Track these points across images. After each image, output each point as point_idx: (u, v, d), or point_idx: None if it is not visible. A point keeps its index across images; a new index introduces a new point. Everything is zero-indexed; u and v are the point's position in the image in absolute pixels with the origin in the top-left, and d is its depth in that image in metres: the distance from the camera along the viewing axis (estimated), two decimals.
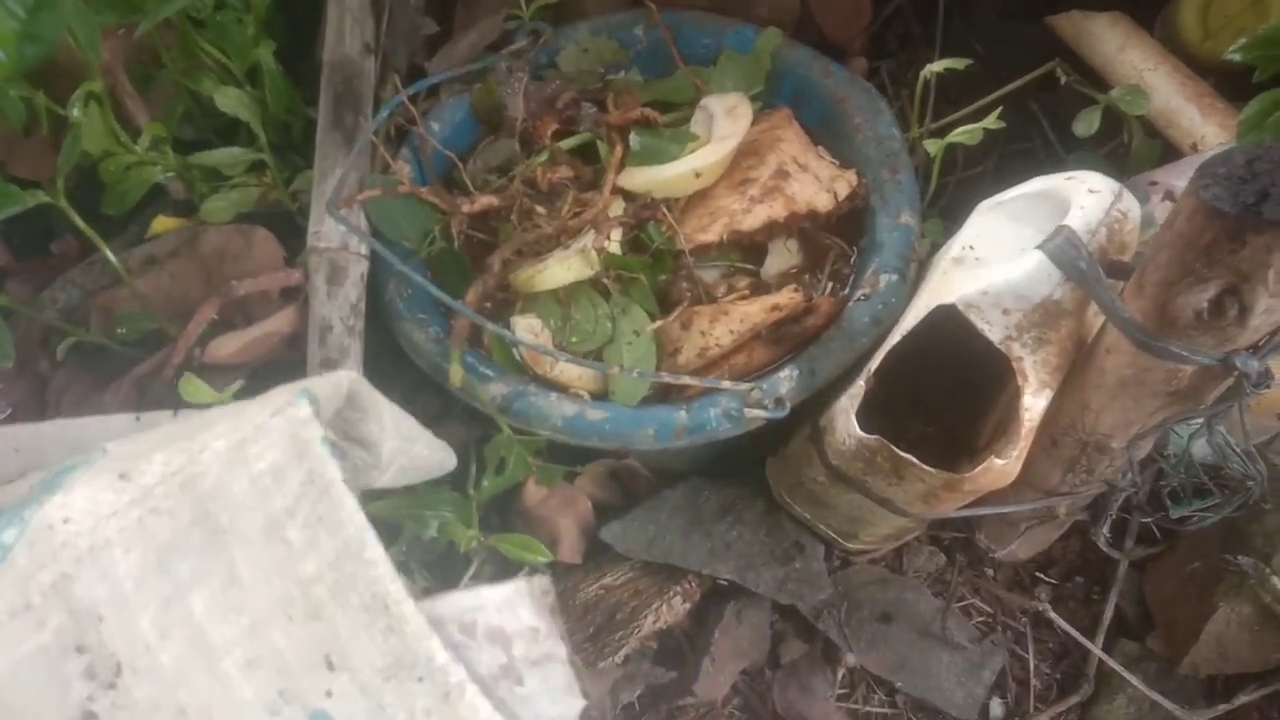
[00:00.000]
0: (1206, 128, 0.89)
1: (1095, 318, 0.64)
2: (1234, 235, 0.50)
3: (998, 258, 0.67)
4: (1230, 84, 0.91)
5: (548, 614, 0.30)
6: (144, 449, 0.30)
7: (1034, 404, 0.64)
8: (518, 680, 0.29)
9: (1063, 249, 0.60)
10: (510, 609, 0.30)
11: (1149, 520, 0.80)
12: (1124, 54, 0.94)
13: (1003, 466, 0.64)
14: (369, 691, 0.28)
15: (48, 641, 0.28)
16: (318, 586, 0.28)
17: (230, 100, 0.85)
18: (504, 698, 0.28)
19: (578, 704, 0.29)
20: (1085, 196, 0.64)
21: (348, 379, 0.33)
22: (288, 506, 0.28)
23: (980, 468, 0.64)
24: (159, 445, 0.30)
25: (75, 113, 0.76)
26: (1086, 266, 0.59)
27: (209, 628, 0.29)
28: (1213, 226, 0.50)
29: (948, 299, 0.65)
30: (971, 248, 0.69)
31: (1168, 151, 0.91)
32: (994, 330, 0.64)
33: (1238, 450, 0.66)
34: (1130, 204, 0.65)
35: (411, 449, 0.39)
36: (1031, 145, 1.00)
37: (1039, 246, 0.61)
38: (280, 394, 0.30)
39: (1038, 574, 0.88)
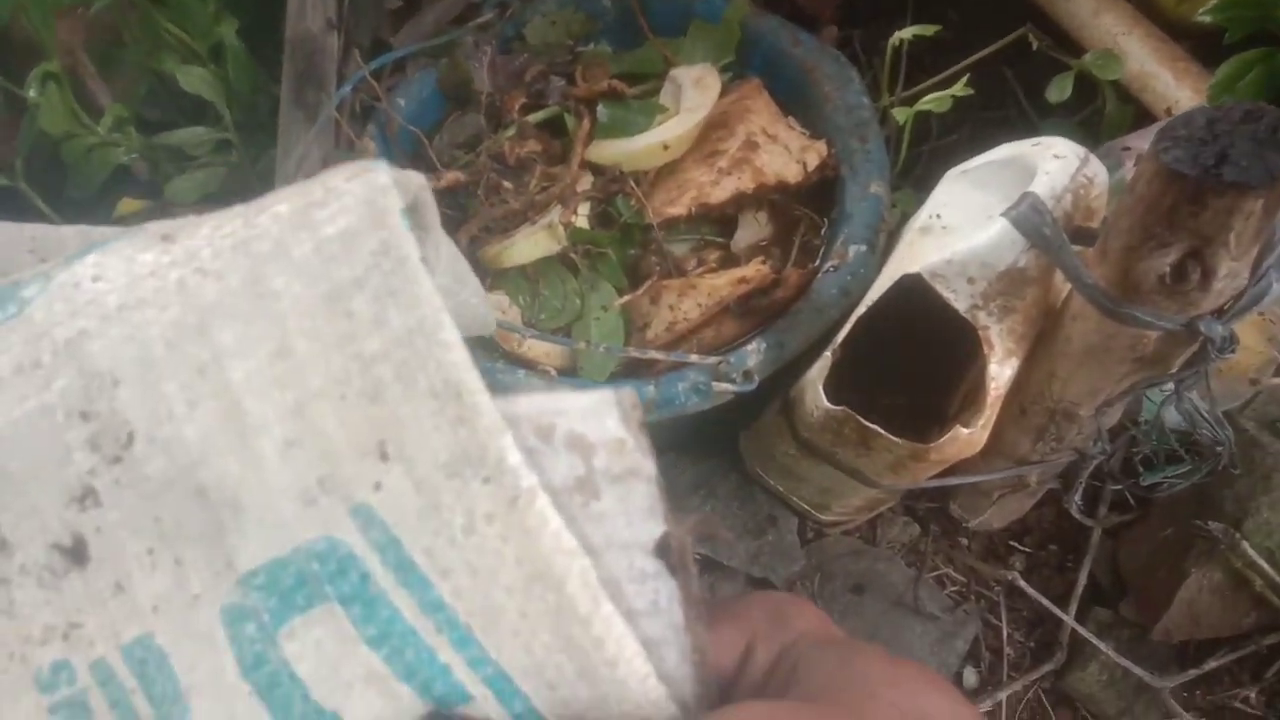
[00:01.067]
0: (1180, 92, 0.89)
1: (1061, 285, 0.64)
2: (1195, 198, 0.49)
3: (964, 226, 0.67)
4: (1206, 48, 0.90)
5: (636, 428, 0.26)
6: (194, 220, 0.27)
7: (1000, 373, 0.64)
8: (594, 494, 0.25)
9: (1027, 216, 0.60)
10: (596, 417, 0.26)
11: (1121, 488, 0.80)
12: (1098, 18, 0.93)
13: (969, 435, 0.63)
14: (424, 488, 0.25)
15: (51, 402, 0.26)
16: (382, 365, 0.25)
17: (193, 79, 0.84)
18: (574, 514, 0.25)
19: (658, 529, 0.25)
20: (1051, 162, 0.64)
21: (418, 180, 0.29)
22: (356, 277, 0.25)
23: (947, 437, 0.63)
24: (212, 216, 0.27)
25: (33, 93, 0.75)
26: (1051, 233, 0.59)
27: (248, 401, 0.25)
28: (1173, 190, 0.50)
29: (913, 268, 0.64)
30: (938, 216, 0.69)
31: (1142, 116, 0.90)
32: (960, 299, 0.63)
33: (1206, 416, 0.66)
34: (1097, 169, 0.65)
35: (461, 293, 0.35)
36: (1006, 112, 0.99)
37: (1003, 214, 0.61)
38: (356, 163, 0.27)
39: (1012, 543, 0.88)
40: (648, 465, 0.25)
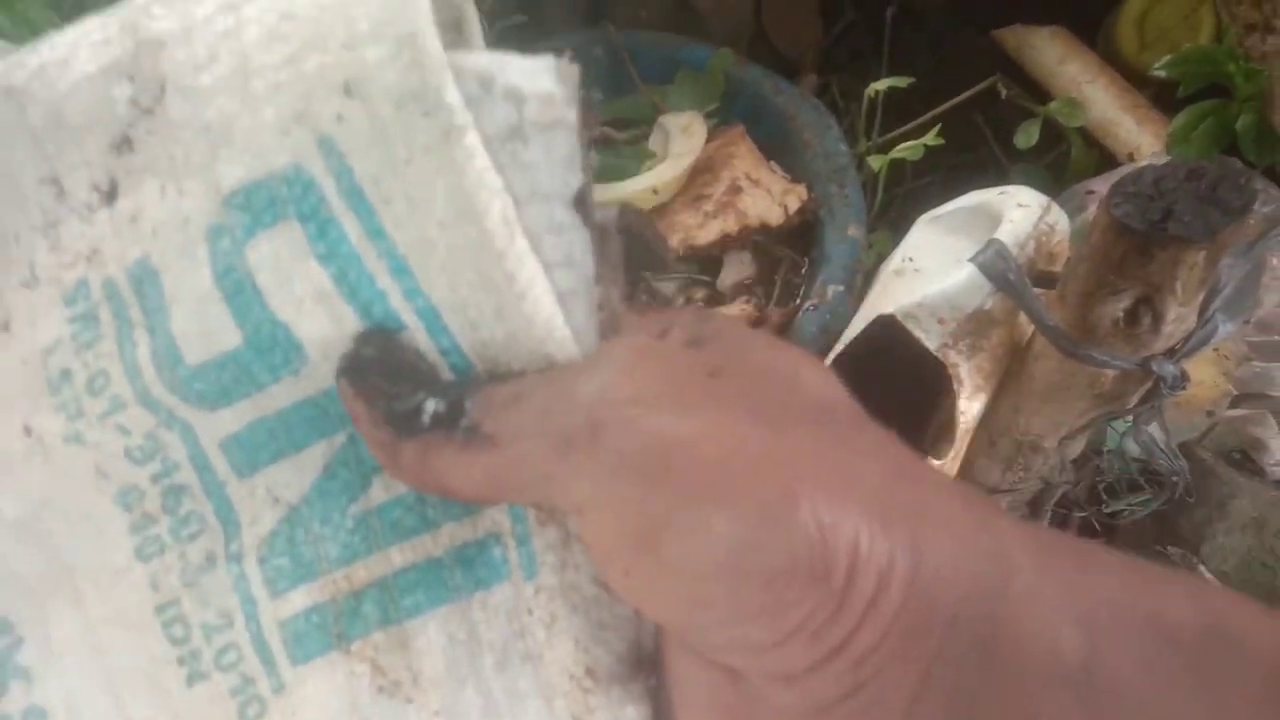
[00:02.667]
0: (1142, 137, 0.94)
1: (1025, 326, 0.68)
2: (1143, 250, 0.54)
3: (935, 269, 0.71)
4: (1166, 95, 0.95)
5: (569, 86, 0.27)
6: None
7: (969, 407, 0.68)
8: (524, 141, 0.27)
9: (993, 261, 0.64)
10: (533, 73, 0.27)
11: (1087, 514, 0.84)
12: (1064, 66, 0.98)
13: (941, 466, 0.68)
14: (376, 120, 0.27)
15: (107, 64, 0.29)
16: (362, 23, 0.27)
17: None
18: (504, 163, 0.27)
19: (575, 180, 0.27)
20: (1015, 210, 0.68)
21: None
22: None
23: None
24: None
25: None
26: (1015, 278, 0.63)
27: (253, 51, 0.28)
28: (1124, 242, 0.54)
29: (888, 309, 0.68)
30: (911, 259, 0.73)
31: (1105, 161, 0.95)
32: (931, 339, 0.67)
33: (1162, 448, 0.70)
34: (1058, 216, 0.69)
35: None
36: (976, 157, 1.04)
37: (970, 259, 0.65)
38: None
39: None
40: (571, 116, 0.27)
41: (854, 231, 0.83)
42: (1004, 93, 0.94)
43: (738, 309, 0.79)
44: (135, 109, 0.29)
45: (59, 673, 0.32)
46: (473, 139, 0.26)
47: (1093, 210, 0.89)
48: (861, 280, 0.81)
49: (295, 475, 0.31)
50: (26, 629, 0.32)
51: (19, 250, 0.31)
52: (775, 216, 0.85)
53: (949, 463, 0.67)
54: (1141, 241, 0.53)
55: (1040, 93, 0.98)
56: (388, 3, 0.27)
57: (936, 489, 0.24)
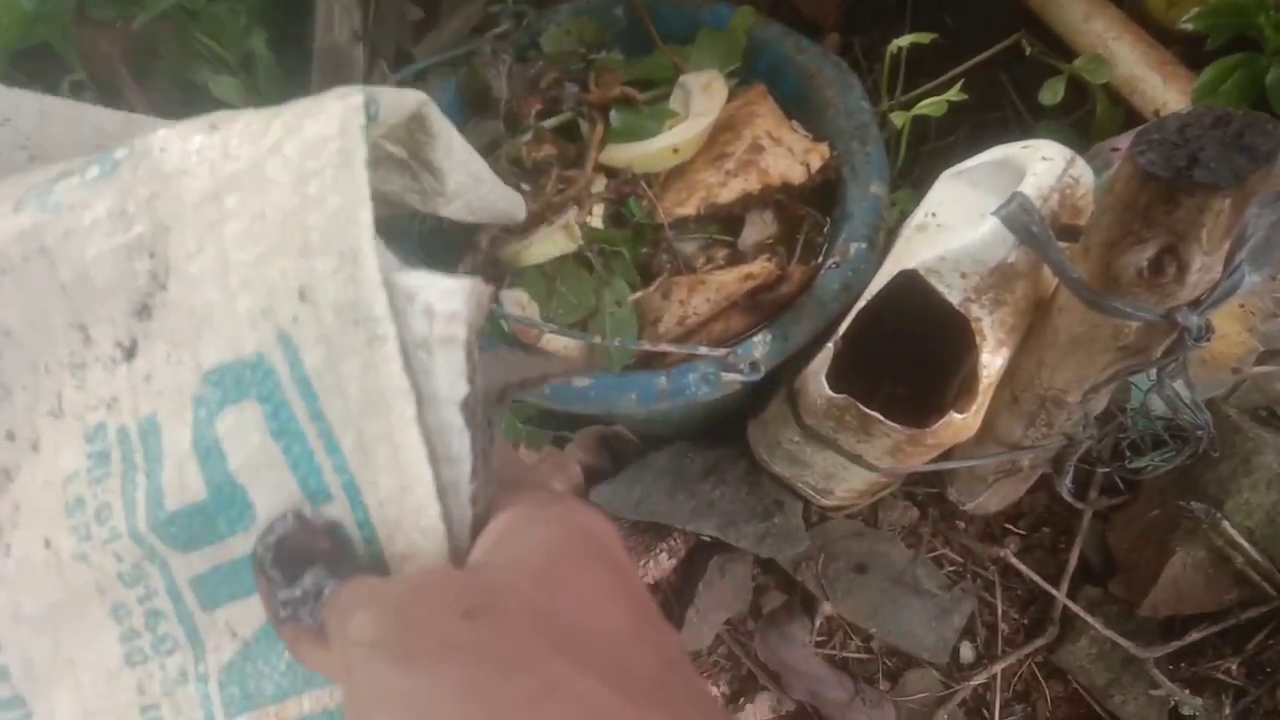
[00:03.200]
0: (1168, 94, 0.92)
1: (1049, 279, 0.68)
2: (1168, 197, 0.53)
3: (957, 224, 0.71)
4: (1193, 51, 0.93)
5: (473, 308, 0.32)
6: (236, 113, 0.36)
7: (992, 362, 0.68)
8: (428, 352, 0.32)
9: (1016, 214, 0.63)
10: (447, 294, 0.32)
11: (1110, 471, 0.84)
12: (1089, 23, 0.97)
13: (962, 421, 0.68)
14: (321, 324, 0.32)
15: (131, 242, 0.35)
16: (315, 232, 0.32)
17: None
18: (415, 367, 0.32)
19: (462, 389, 0.32)
20: (1039, 164, 0.68)
21: (415, 98, 0.37)
22: (318, 168, 0.33)
23: (942, 422, 0.67)
24: (248, 112, 0.35)
25: None
26: (1038, 231, 0.63)
27: (230, 249, 0.34)
28: (1149, 190, 0.54)
29: (910, 264, 0.68)
30: (934, 215, 0.73)
31: (1132, 118, 0.94)
32: (953, 293, 0.67)
33: (1186, 402, 0.69)
34: (1082, 170, 0.69)
35: (479, 188, 0.43)
36: (1001, 115, 1.03)
37: (993, 213, 0.65)
38: (344, 88, 0.34)
39: (1007, 526, 0.92)
40: (463, 334, 0.32)
41: (876, 189, 0.83)
42: (1028, 49, 0.93)
43: (760, 266, 0.79)
44: (154, 282, 0.35)
45: None
46: (391, 347, 0.32)
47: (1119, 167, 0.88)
48: (884, 238, 0.81)
49: (247, 615, 0.36)
50: (35, 705, 0.39)
51: (49, 381, 0.37)
52: (797, 175, 0.85)
53: (972, 417, 0.67)
54: (1166, 189, 0.53)
55: (1065, 50, 0.97)
56: (335, 217, 0.32)
57: None
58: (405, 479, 0.32)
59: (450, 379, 0.32)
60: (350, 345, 0.32)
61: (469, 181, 0.43)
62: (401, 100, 0.36)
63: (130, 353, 0.36)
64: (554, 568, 0.30)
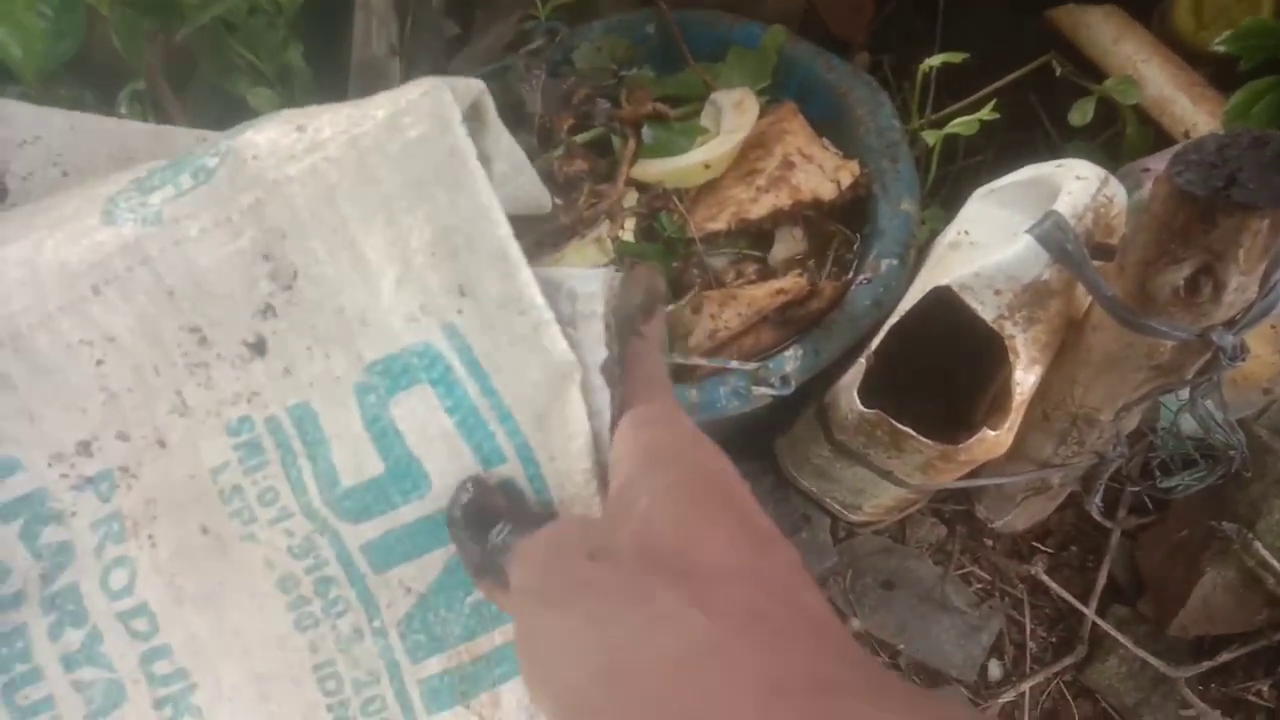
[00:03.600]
0: (1198, 116, 0.93)
1: (1083, 297, 0.68)
2: (1206, 217, 0.54)
3: (991, 242, 0.71)
4: (1224, 74, 0.94)
5: (607, 289, 0.38)
6: (316, 110, 0.39)
7: (1025, 379, 0.68)
8: (574, 326, 0.37)
9: (1050, 233, 0.64)
10: (585, 280, 0.38)
11: (1140, 490, 0.84)
12: (1119, 45, 0.98)
13: (995, 438, 0.68)
14: (485, 315, 0.37)
15: (244, 247, 0.38)
16: (456, 235, 0.36)
17: (262, 100, 0.90)
18: (564, 338, 0.38)
19: (602, 354, 0.37)
20: (1073, 183, 0.68)
21: (478, 86, 0.40)
22: (435, 170, 0.36)
23: (974, 439, 0.68)
24: (329, 109, 0.39)
25: (124, 110, 0.80)
26: (1073, 249, 0.63)
27: (369, 254, 0.37)
28: (1186, 209, 0.54)
29: (943, 281, 0.68)
30: (967, 232, 0.73)
31: (1161, 139, 0.94)
32: (987, 310, 0.67)
33: (1219, 421, 0.69)
34: (1116, 189, 0.69)
35: (519, 178, 0.46)
36: (1030, 135, 1.04)
37: (1028, 231, 0.65)
38: (426, 81, 0.38)
39: (1035, 544, 0.92)
40: (602, 309, 0.38)
41: (907, 206, 0.83)
42: (1058, 70, 0.94)
43: (790, 281, 0.80)
44: (274, 283, 0.39)
45: (229, 714, 0.41)
46: (555, 330, 0.37)
47: (1149, 188, 0.88)
48: (914, 255, 0.81)
49: (420, 572, 0.41)
50: (199, 676, 0.41)
51: (161, 381, 0.40)
52: (827, 191, 0.85)
53: (1004, 434, 0.68)
54: (1204, 209, 0.53)
55: (1095, 72, 0.97)
56: (474, 220, 0.37)
57: None
58: (571, 434, 0.38)
59: (591, 347, 0.38)
60: (516, 332, 0.38)
61: (511, 171, 0.46)
62: (469, 88, 0.40)
63: (259, 349, 0.40)
64: (667, 508, 0.32)
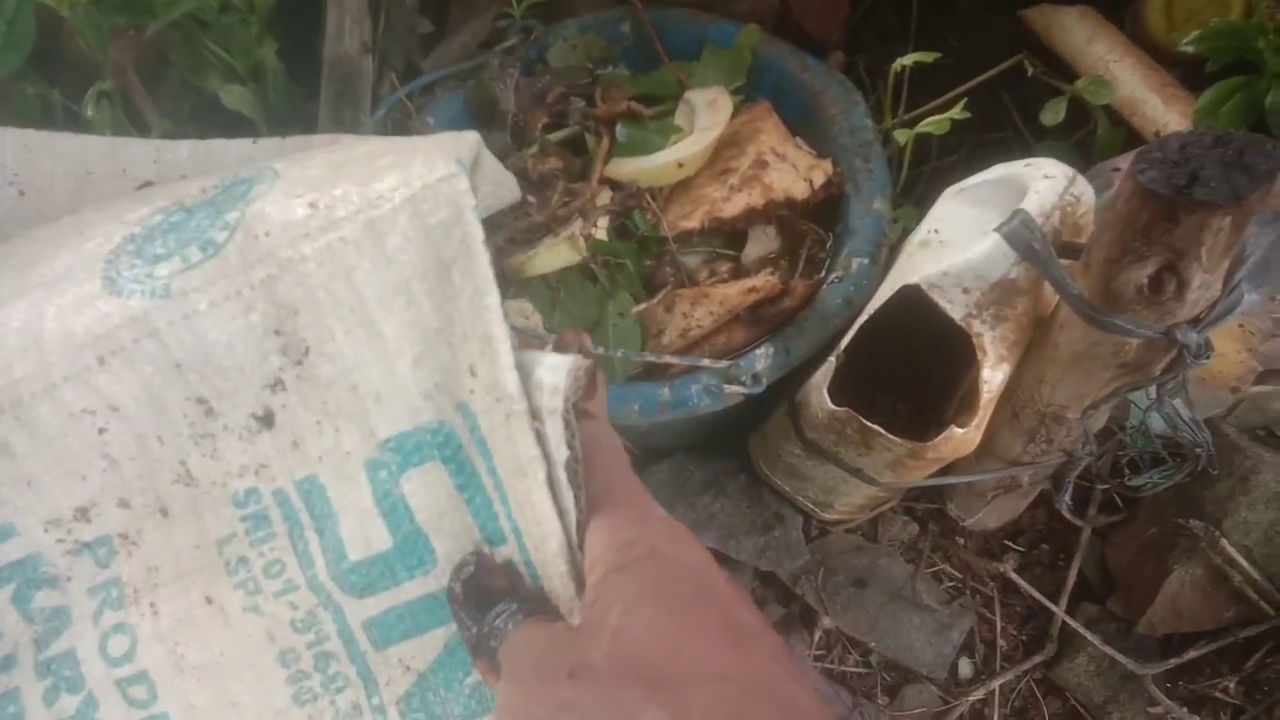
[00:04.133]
0: (1168, 116, 0.93)
1: (1050, 295, 0.68)
2: (1168, 215, 0.54)
3: (960, 240, 0.71)
4: (1195, 75, 0.94)
5: (572, 383, 0.37)
6: (320, 175, 0.39)
7: (992, 377, 0.68)
8: (540, 420, 0.37)
9: (1018, 231, 0.64)
10: (554, 370, 0.37)
11: (1109, 488, 0.84)
12: (1091, 45, 0.98)
13: (963, 435, 0.68)
14: (483, 396, 0.38)
15: (255, 321, 0.38)
16: (462, 321, 0.37)
17: (235, 97, 0.89)
18: (540, 434, 0.37)
19: (565, 452, 0.36)
20: (1041, 182, 0.68)
21: (476, 141, 0.41)
22: (454, 255, 0.37)
23: (942, 436, 0.68)
24: (335, 177, 0.39)
25: (90, 111, 0.80)
26: (1040, 247, 0.63)
27: (387, 332, 0.38)
28: (1149, 207, 0.54)
29: (912, 279, 0.69)
30: (936, 231, 0.74)
31: (1132, 139, 0.95)
32: (955, 308, 0.68)
33: (1186, 420, 0.70)
34: (1083, 188, 0.69)
35: (498, 190, 0.47)
36: (1003, 134, 1.04)
37: (996, 229, 0.65)
38: (440, 159, 0.38)
39: (1006, 542, 0.92)
40: (562, 406, 0.37)
41: (879, 205, 0.84)
42: (1030, 70, 0.94)
43: (762, 280, 0.80)
44: (285, 358, 0.39)
45: None
46: (525, 421, 0.37)
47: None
48: (886, 254, 0.82)
49: (420, 650, 0.42)
50: None
51: (164, 451, 0.40)
52: (800, 191, 0.86)
53: (972, 432, 0.68)
54: (1167, 207, 0.54)
55: (1067, 72, 0.97)
56: (472, 303, 0.37)
57: None
58: (544, 532, 0.38)
59: (556, 443, 0.37)
60: (497, 418, 0.38)
61: (492, 188, 0.46)
62: (470, 148, 0.40)
63: (267, 422, 0.40)
64: (642, 617, 0.33)
